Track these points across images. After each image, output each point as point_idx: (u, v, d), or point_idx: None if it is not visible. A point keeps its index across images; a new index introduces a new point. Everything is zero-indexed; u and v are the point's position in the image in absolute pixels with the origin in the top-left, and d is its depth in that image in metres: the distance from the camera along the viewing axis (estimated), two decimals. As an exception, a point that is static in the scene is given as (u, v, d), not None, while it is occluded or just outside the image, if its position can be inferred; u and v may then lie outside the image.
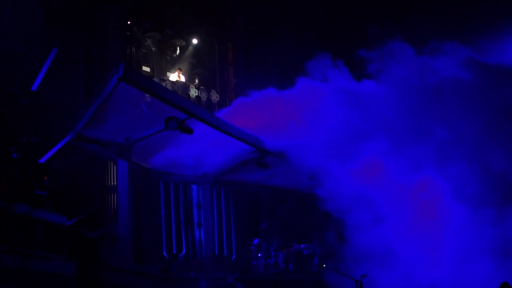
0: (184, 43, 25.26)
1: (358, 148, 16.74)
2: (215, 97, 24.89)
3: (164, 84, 22.41)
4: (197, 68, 25.85)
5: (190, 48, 25.56)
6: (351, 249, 16.22)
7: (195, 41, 25.52)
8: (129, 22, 23.39)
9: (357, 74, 18.20)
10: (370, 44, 17.86)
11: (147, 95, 16.31)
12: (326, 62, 18.08)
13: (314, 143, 16.91)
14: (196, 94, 24.24)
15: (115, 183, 19.95)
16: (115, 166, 19.61)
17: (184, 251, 20.74)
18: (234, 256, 22.15)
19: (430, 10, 23.68)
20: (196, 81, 25.11)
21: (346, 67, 18.21)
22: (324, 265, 16.33)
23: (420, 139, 16.57)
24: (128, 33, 23.29)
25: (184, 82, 24.28)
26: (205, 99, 24.39)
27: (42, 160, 19.13)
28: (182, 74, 24.42)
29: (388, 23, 22.79)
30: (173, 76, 24.13)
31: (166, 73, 24.40)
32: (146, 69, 23.56)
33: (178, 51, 25.24)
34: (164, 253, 20.34)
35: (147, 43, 24.11)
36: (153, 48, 24.32)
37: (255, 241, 20.72)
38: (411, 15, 23.17)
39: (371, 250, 15.81)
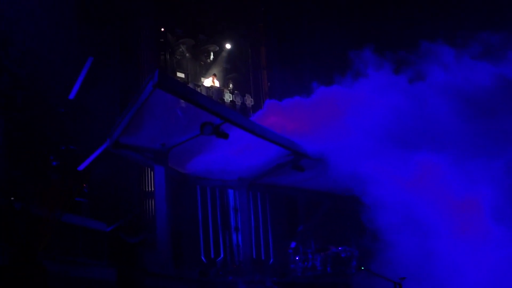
0: (217, 48, 25.41)
1: (403, 155, 15.94)
2: (249, 101, 24.97)
3: (198, 89, 22.57)
4: (231, 72, 25.98)
5: (224, 53, 25.70)
6: (389, 252, 15.98)
7: (228, 46, 25.66)
8: (162, 29, 23.61)
9: (403, 75, 17.41)
10: (411, 43, 17.13)
11: (182, 101, 16.41)
12: (367, 59, 17.57)
13: (353, 146, 16.50)
14: (231, 99, 24.36)
15: (152, 189, 20.14)
16: (152, 172, 19.81)
17: (222, 256, 20.79)
18: (272, 260, 22.13)
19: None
20: (230, 85, 25.22)
21: (391, 66, 17.48)
22: (363, 268, 16.23)
23: (473, 150, 15.61)
24: (162, 40, 23.52)
25: (218, 87, 24.41)
26: (239, 104, 24.48)
27: (81, 168, 19.41)
28: (216, 79, 24.56)
29: (431, 21, 22.29)
30: (207, 82, 24.27)
31: (200, 79, 24.57)
32: (180, 75, 23.76)
33: (211, 57, 25.39)
34: (202, 258, 20.42)
35: (180, 49, 24.30)
36: (186, 54, 24.51)
37: (293, 244, 20.68)
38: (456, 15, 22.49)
39: (409, 254, 15.46)
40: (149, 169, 20.44)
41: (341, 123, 16.84)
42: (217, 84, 24.44)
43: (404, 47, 17.30)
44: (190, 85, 22.50)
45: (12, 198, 12.96)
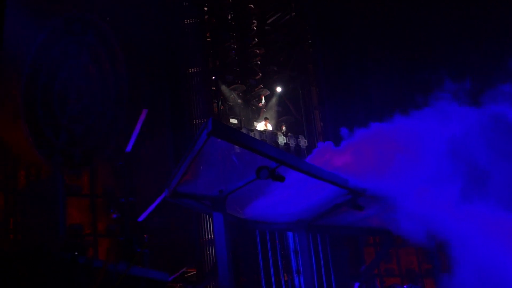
0: (268, 92, 25.58)
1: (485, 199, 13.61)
2: (303, 142, 24.94)
3: (252, 134, 22.70)
4: (283, 115, 26.09)
5: (275, 96, 25.86)
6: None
7: (278, 89, 25.81)
8: (213, 77, 23.92)
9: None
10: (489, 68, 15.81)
11: (237, 146, 16.46)
12: (432, 88, 16.02)
13: (417, 184, 15.17)
14: (285, 141, 24.38)
15: (212, 236, 20.16)
16: (210, 219, 19.84)
17: (285, 299, 20.55)
18: (336, 302, 21.78)
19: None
20: (283, 128, 25.29)
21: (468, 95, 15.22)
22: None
23: None
24: (214, 88, 23.79)
25: (272, 130, 24.49)
26: (293, 145, 24.47)
27: (140, 219, 19.61)
28: (269, 122, 24.67)
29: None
30: (260, 126, 24.40)
31: (253, 123, 24.74)
32: (233, 121, 23.98)
33: (263, 100, 25.56)
34: (266, 303, 20.22)
35: (232, 95, 24.55)
36: (238, 100, 24.73)
37: (356, 285, 20.31)
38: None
39: None
40: (207, 216, 20.50)
41: (405, 159, 15.57)
42: (270, 127, 24.54)
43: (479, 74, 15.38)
44: (244, 130, 22.64)
45: (76, 253, 13.12)
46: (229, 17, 25.53)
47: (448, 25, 24.36)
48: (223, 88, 24.49)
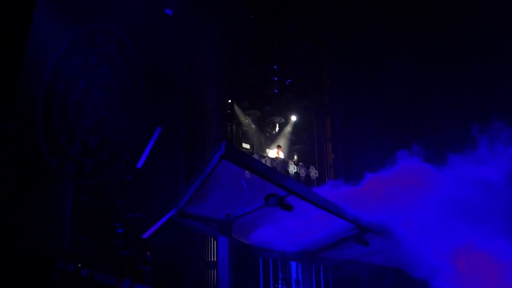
0: (282, 120, 25.64)
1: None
2: (313, 173, 24.92)
3: (263, 160, 22.71)
4: (296, 144, 26.10)
5: (289, 124, 25.89)
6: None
7: (293, 117, 25.85)
8: (229, 101, 24.00)
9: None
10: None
11: (248, 172, 16.45)
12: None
13: (424, 221, 15.20)
14: (295, 170, 24.37)
15: (215, 259, 20.08)
16: (215, 242, 19.79)
17: (283, 329, 20.40)
18: (334, 336, 21.58)
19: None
20: (295, 157, 25.29)
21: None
22: None
23: None
24: (229, 111, 23.87)
25: (283, 158, 24.48)
26: (304, 175, 24.45)
27: (145, 236, 19.58)
28: (281, 150, 24.68)
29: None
30: (272, 153, 24.41)
31: (265, 150, 24.75)
32: (246, 146, 24.02)
33: (277, 128, 25.60)
34: (264, 331, 20.08)
35: (246, 120, 24.61)
36: (252, 126, 24.78)
37: (355, 321, 20.16)
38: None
39: None
40: (211, 238, 20.45)
41: (413, 197, 15.66)
42: (281, 155, 24.54)
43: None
44: (255, 156, 22.66)
45: (79, 265, 13.12)
46: (249, 42, 25.66)
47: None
48: (238, 112, 24.56)
